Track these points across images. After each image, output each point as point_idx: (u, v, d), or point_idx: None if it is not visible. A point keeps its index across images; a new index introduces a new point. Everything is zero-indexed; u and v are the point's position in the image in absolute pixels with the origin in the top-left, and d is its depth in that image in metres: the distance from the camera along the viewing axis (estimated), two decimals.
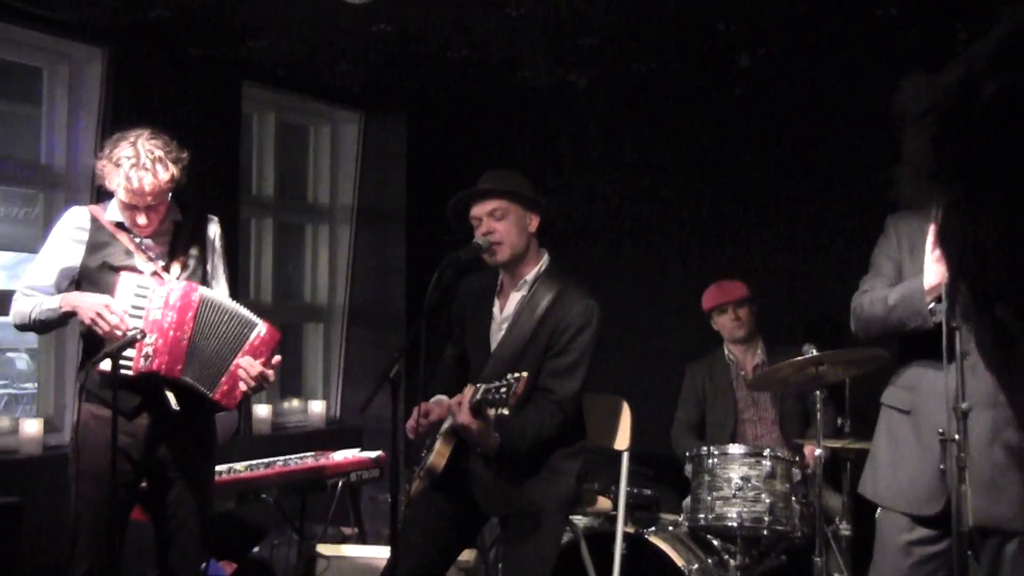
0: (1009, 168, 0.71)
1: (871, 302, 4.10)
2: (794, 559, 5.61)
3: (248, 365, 4.63)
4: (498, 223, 4.54)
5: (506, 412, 4.20)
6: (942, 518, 3.89)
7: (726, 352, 6.53)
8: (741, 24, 6.57)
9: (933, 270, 3.84)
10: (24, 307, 4.57)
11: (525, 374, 4.17)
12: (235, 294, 4.92)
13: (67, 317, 4.57)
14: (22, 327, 4.65)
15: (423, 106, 8.58)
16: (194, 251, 4.77)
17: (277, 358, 4.79)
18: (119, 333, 4.39)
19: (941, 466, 3.81)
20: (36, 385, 6.82)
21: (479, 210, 4.58)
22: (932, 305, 3.82)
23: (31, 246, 6.78)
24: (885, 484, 4.11)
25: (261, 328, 4.70)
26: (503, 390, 4.14)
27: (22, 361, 7.60)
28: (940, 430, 3.79)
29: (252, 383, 4.67)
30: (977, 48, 0.76)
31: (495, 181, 4.62)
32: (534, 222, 4.62)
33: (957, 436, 3.65)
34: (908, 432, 4.05)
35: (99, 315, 4.39)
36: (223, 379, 4.63)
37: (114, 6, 6.28)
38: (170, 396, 4.58)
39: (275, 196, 8.39)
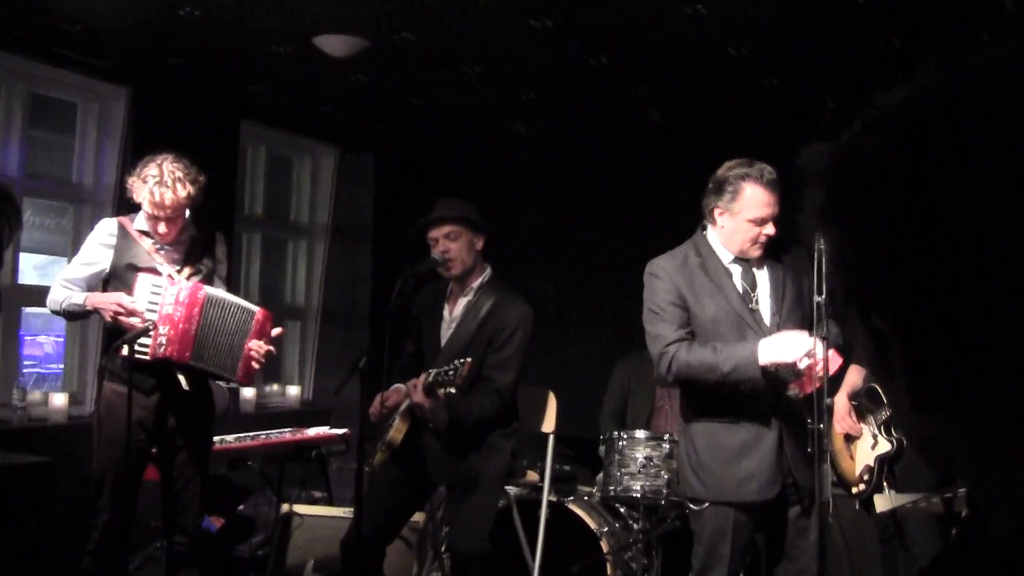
0: (883, 211, 0.79)
1: (698, 365, 3.97)
2: (686, 524, 5.68)
3: (256, 347, 4.74)
4: (452, 243, 4.60)
5: (453, 391, 4.32)
6: (760, 502, 4.01)
7: None
8: (654, 87, 6.66)
9: (770, 351, 3.85)
10: (58, 296, 4.65)
11: (469, 359, 4.28)
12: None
13: (89, 313, 4.66)
14: (54, 312, 4.75)
15: (389, 144, 8.60)
16: (204, 260, 4.82)
17: (277, 330, 4.90)
18: (136, 321, 4.46)
19: (808, 449, 3.91)
20: (62, 366, 6.80)
21: (436, 233, 4.64)
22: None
23: (60, 250, 6.78)
24: (726, 482, 4.05)
25: (258, 314, 4.78)
26: (450, 372, 4.24)
27: (48, 346, 7.53)
28: (808, 420, 3.89)
29: (263, 360, 4.79)
30: (856, 122, 0.84)
31: (448, 209, 4.67)
32: (480, 242, 4.69)
33: (821, 425, 3.78)
34: (734, 438, 4.05)
35: (116, 312, 4.48)
36: (240, 364, 4.72)
37: (137, 54, 6.28)
38: (181, 378, 4.64)
39: (263, 215, 8.39)
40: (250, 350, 4.73)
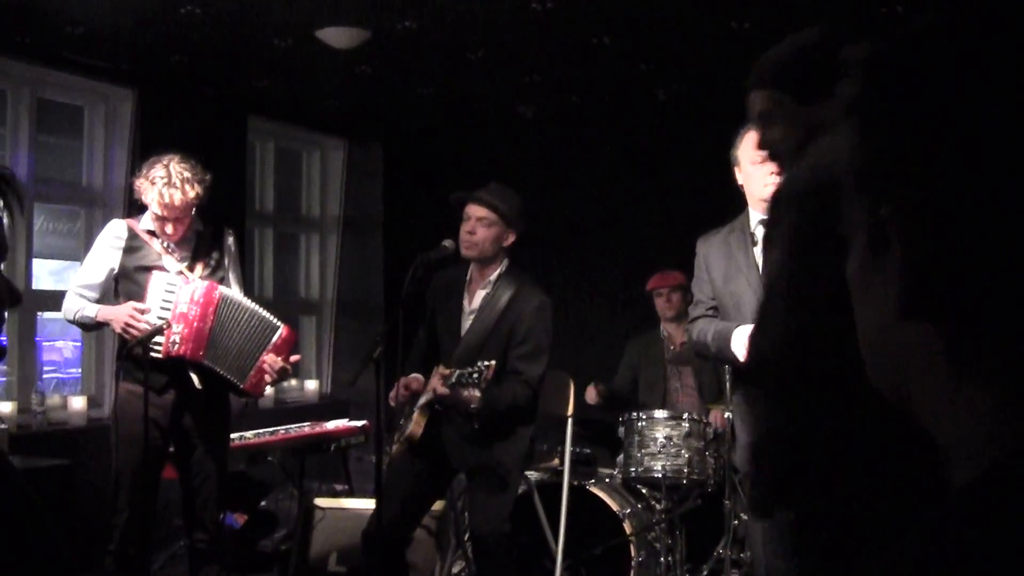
0: (921, 102, 0.76)
1: (698, 336, 3.98)
2: (708, 502, 5.62)
3: (272, 361, 4.71)
4: (482, 228, 4.49)
5: (477, 393, 4.28)
6: None
7: (662, 330, 6.47)
8: (659, 65, 6.58)
9: (740, 345, 3.72)
10: (71, 306, 4.63)
11: (493, 363, 4.20)
12: (245, 292, 4.92)
13: (101, 325, 4.65)
14: (68, 321, 4.72)
15: (397, 134, 8.55)
16: (213, 256, 4.78)
17: (296, 356, 4.91)
18: (146, 329, 4.42)
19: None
20: (80, 370, 6.79)
21: (472, 211, 4.51)
22: None
23: (74, 255, 6.74)
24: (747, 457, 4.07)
25: (282, 331, 4.76)
26: (475, 376, 4.18)
27: (68, 351, 7.50)
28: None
29: (276, 376, 4.75)
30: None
31: (495, 195, 4.54)
32: (510, 239, 4.57)
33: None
34: (749, 415, 3.97)
35: (127, 324, 4.47)
36: (252, 372, 4.69)
37: (142, 54, 6.25)
38: (194, 377, 4.60)
39: (274, 210, 8.34)
40: (264, 363, 4.70)
